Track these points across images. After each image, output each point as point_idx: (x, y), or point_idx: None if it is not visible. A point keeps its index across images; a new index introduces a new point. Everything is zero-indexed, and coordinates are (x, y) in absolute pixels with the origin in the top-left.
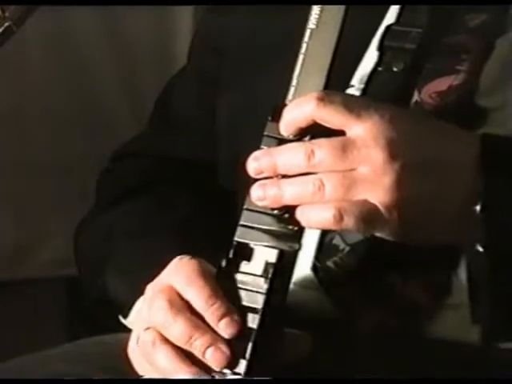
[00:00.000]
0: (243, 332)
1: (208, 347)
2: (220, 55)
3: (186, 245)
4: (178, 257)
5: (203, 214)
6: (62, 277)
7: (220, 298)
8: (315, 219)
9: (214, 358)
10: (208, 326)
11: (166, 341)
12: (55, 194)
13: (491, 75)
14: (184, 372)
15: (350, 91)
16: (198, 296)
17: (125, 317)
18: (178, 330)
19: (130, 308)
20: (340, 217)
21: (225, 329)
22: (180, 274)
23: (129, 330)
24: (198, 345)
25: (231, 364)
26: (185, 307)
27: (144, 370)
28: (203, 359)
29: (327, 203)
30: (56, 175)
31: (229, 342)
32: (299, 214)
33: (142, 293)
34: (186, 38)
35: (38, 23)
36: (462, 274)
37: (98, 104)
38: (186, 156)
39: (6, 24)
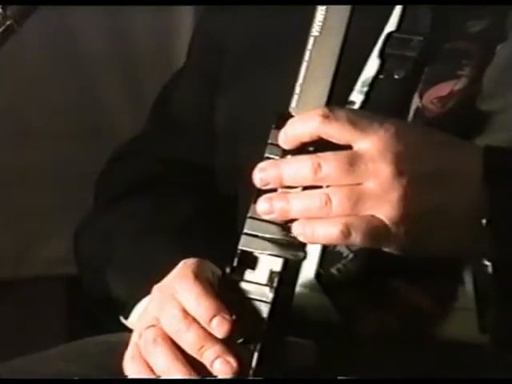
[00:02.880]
0: (249, 340)
1: (216, 358)
2: (219, 54)
3: (185, 245)
4: (184, 260)
5: (203, 215)
6: (63, 275)
7: (211, 299)
8: (323, 235)
9: (221, 369)
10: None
11: (168, 339)
12: (55, 194)
13: (493, 80)
14: (180, 371)
15: (352, 98)
16: (192, 300)
17: (126, 317)
18: (191, 338)
19: (130, 308)
20: (347, 232)
21: (217, 328)
22: (179, 279)
23: (129, 330)
24: (207, 355)
25: (236, 373)
26: (170, 339)
27: (136, 372)
28: (211, 369)
29: (334, 219)
30: (56, 176)
31: (235, 351)
32: (306, 230)
33: (142, 293)
34: (187, 39)
35: (37, 22)
36: (468, 280)
37: (99, 105)
38: (184, 156)
39: (8, 23)
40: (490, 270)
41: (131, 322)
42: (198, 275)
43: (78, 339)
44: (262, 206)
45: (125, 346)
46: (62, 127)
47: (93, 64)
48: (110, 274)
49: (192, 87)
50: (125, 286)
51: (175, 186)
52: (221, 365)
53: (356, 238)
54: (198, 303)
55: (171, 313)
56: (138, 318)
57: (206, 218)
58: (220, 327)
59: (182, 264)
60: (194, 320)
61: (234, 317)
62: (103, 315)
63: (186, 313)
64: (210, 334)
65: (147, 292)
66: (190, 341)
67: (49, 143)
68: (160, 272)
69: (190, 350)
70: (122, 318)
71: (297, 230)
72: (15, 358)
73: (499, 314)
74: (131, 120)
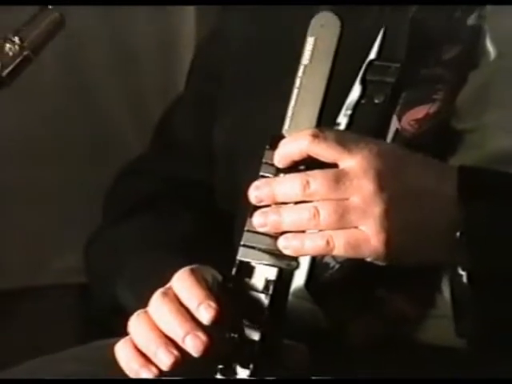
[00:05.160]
0: (247, 344)
1: (187, 334)
2: (217, 81)
3: (187, 258)
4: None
5: (203, 230)
6: (75, 284)
7: (200, 288)
8: (308, 247)
9: (192, 344)
10: (191, 317)
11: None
12: (69, 210)
13: (465, 103)
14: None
15: (338, 121)
16: (184, 288)
17: None
18: (163, 313)
19: None
20: (332, 244)
21: (203, 314)
22: (176, 275)
23: None
24: (178, 332)
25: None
26: (176, 299)
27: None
28: (183, 345)
29: (320, 232)
30: (69, 193)
31: (231, 354)
32: (290, 244)
33: (147, 302)
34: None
35: None
36: (445, 288)
37: (105, 122)
38: (185, 176)
39: (25, 53)
40: (465, 278)
41: None
42: (194, 270)
43: (89, 342)
44: (257, 220)
45: None
46: (74, 147)
47: (94, 74)
48: (118, 284)
49: (191, 112)
50: (133, 296)
51: (176, 203)
52: (191, 339)
53: (339, 250)
54: (189, 291)
55: (153, 297)
56: None
57: (205, 232)
58: (206, 314)
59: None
60: (172, 300)
61: (218, 306)
62: (111, 320)
63: (164, 293)
64: (183, 312)
65: None
66: (163, 315)
67: (63, 162)
68: (163, 283)
69: (163, 327)
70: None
71: (281, 244)
72: (32, 359)
73: (474, 320)
74: (135, 134)
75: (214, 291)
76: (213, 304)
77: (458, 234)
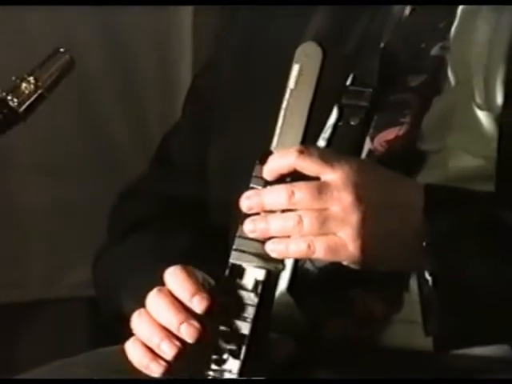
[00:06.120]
0: (238, 337)
1: (182, 323)
2: (209, 108)
3: None
4: None
5: (199, 244)
6: (86, 297)
7: (192, 281)
8: (294, 250)
9: (187, 331)
10: (185, 308)
11: (150, 319)
12: (80, 228)
13: (430, 126)
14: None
15: (319, 141)
16: (177, 283)
17: None
18: (159, 306)
19: None
20: (312, 248)
21: (197, 305)
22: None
23: None
24: (173, 322)
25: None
26: (170, 293)
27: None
28: (178, 334)
29: (303, 237)
30: (80, 212)
31: (222, 346)
32: (276, 247)
33: None
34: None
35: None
36: (414, 291)
37: (110, 144)
38: (182, 195)
39: (39, 91)
40: (431, 282)
41: None
42: (185, 266)
43: (98, 348)
44: (247, 227)
45: None
46: (87, 168)
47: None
48: (123, 296)
49: (187, 137)
50: (135, 306)
51: (174, 221)
52: (186, 327)
53: (319, 254)
54: (182, 285)
55: (149, 294)
56: None
57: (202, 246)
58: (199, 304)
59: None
60: (166, 295)
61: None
62: (117, 329)
63: (159, 290)
64: (177, 305)
65: None
66: (158, 308)
67: (74, 185)
68: None
69: (159, 318)
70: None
71: (269, 248)
72: (47, 363)
73: (439, 319)
74: (139, 157)
75: (206, 288)
76: (205, 295)
77: (424, 243)
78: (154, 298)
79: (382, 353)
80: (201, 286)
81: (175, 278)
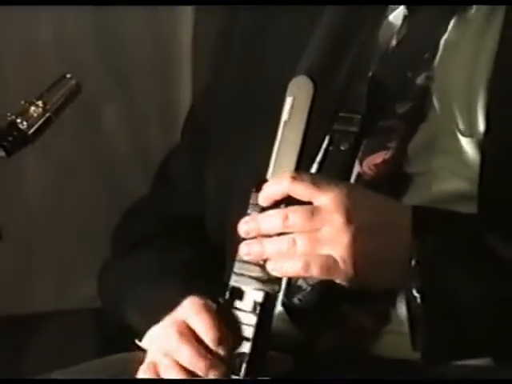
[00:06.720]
0: (239, 356)
1: (210, 369)
2: (206, 134)
3: (186, 283)
4: (190, 297)
5: (197, 260)
6: (94, 309)
7: (218, 328)
8: (290, 270)
9: (213, 376)
10: (209, 351)
11: (177, 366)
12: (88, 243)
13: (416, 150)
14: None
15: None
16: (202, 326)
17: (140, 340)
18: (186, 353)
19: (143, 334)
20: (307, 267)
21: (221, 351)
22: (190, 310)
23: (142, 350)
24: (201, 366)
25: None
26: (192, 337)
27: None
28: (206, 377)
29: (297, 257)
30: (88, 228)
31: (226, 362)
32: (276, 267)
33: (153, 323)
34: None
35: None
36: (401, 307)
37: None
38: (182, 215)
39: (47, 115)
40: (418, 299)
41: (144, 343)
42: (206, 303)
43: (103, 357)
44: (242, 250)
45: (138, 361)
46: (91, 183)
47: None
48: (126, 308)
49: (186, 161)
50: (139, 317)
51: (173, 239)
52: (213, 374)
53: (313, 271)
54: (206, 327)
55: (170, 335)
56: (148, 343)
57: (200, 262)
58: (223, 351)
59: (189, 300)
60: (189, 339)
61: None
62: (121, 339)
63: (180, 333)
64: (202, 350)
65: (156, 321)
66: (185, 355)
67: (79, 197)
68: (166, 306)
69: (187, 364)
70: (136, 341)
71: (270, 267)
72: (57, 370)
73: (427, 335)
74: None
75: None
76: (225, 339)
77: (412, 261)
78: (176, 343)
79: (373, 363)
80: (223, 328)
81: (199, 316)
